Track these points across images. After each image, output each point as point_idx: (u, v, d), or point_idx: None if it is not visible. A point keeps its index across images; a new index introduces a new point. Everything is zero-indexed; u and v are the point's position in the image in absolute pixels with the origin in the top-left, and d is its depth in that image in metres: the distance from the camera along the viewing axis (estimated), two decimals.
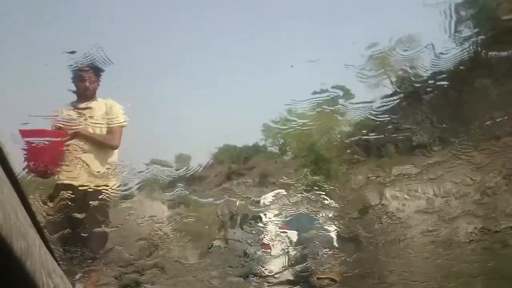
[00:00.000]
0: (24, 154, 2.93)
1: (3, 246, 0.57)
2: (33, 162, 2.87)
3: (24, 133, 2.96)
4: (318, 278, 7.10)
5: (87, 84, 3.18)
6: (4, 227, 0.55)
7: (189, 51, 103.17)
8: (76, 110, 3.21)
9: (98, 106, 3.19)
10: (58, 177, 3.04)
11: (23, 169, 2.89)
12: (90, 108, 3.00)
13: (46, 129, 3.13)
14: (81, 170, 2.99)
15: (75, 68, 3.21)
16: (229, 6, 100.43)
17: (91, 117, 3.18)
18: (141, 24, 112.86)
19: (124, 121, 3.19)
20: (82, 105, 3.18)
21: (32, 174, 2.96)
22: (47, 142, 3.00)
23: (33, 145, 2.95)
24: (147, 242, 6.01)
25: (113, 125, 3.13)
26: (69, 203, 2.92)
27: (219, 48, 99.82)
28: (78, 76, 3.17)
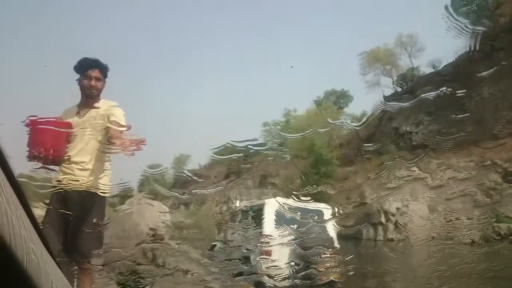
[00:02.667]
0: (28, 141, 2.89)
1: (2, 247, 0.57)
2: (35, 149, 2.83)
3: (30, 122, 2.92)
4: (320, 279, 7.10)
5: (93, 83, 3.12)
6: (3, 228, 0.55)
7: (189, 52, 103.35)
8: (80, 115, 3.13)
9: (100, 109, 3.12)
10: (58, 174, 3.00)
11: (27, 156, 2.85)
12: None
13: (51, 118, 3.06)
14: (79, 170, 2.95)
15: (80, 67, 3.14)
16: (229, 6, 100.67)
17: (93, 119, 3.10)
18: (142, 25, 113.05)
19: (124, 126, 3.09)
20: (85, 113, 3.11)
21: (34, 162, 2.91)
22: (50, 131, 2.95)
23: (36, 130, 2.91)
24: (146, 242, 6.01)
25: (112, 129, 3.03)
26: (67, 203, 2.89)
27: (219, 50, 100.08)
28: (83, 75, 3.10)
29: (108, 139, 2.88)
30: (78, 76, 3.16)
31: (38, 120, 2.95)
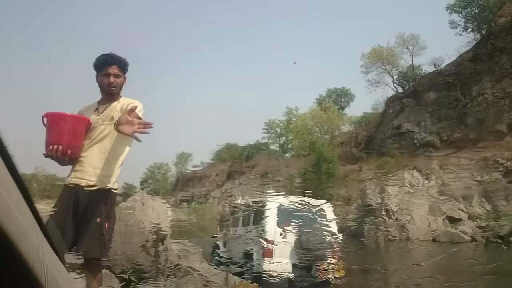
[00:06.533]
0: (45, 137, 2.83)
1: (5, 244, 0.58)
2: (52, 145, 2.76)
3: (49, 117, 2.87)
4: (321, 276, 7.10)
5: (111, 80, 3.02)
6: (6, 226, 0.55)
7: (190, 50, 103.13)
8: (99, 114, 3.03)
9: (119, 105, 3.02)
10: (70, 173, 2.93)
11: (44, 153, 2.80)
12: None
13: (70, 114, 3.00)
14: (93, 168, 2.89)
15: (98, 64, 3.04)
16: (230, 6, 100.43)
17: (111, 117, 3.00)
18: (143, 24, 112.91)
19: (140, 118, 2.96)
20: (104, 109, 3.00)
21: (51, 159, 2.85)
22: (69, 126, 2.88)
23: (53, 126, 2.85)
24: (148, 239, 6.03)
25: (126, 113, 2.88)
26: (76, 201, 2.85)
27: (221, 48, 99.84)
28: (101, 72, 3.01)
29: (118, 121, 2.66)
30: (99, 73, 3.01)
31: (56, 115, 2.91)
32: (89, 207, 2.83)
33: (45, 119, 2.86)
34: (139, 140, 2.64)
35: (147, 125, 2.60)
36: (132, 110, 2.63)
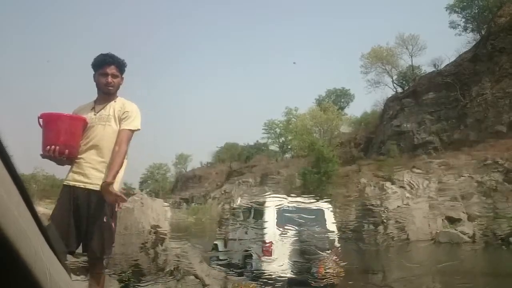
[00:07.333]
0: (42, 138, 2.83)
1: (5, 245, 0.57)
2: (49, 145, 2.76)
3: (45, 117, 2.87)
4: (319, 278, 7.09)
5: (109, 80, 3.03)
6: (6, 227, 0.55)
7: (190, 50, 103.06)
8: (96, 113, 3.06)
9: (116, 106, 3.02)
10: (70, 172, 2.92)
11: (41, 153, 2.80)
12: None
13: (66, 114, 3.00)
14: (91, 169, 2.88)
15: (96, 63, 3.05)
16: (230, 6, 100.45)
17: (107, 116, 3.02)
18: (143, 24, 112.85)
19: (136, 127, 3.00)
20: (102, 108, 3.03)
21: (48, 159, 2.84)
22: (66, 126, 2.89)
23: (50, 127, 2.85)
24: (147, 240, 6.01)
25: (122, 127, 2.92)
26: (76, 202, 2.83)
27: (221, 48, 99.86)
28: (99, 71, 3.01)
29: (104, 187, 2.76)
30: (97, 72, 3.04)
31: (52, 116, 2.89)
32: (93, 208, 2.82)
33: (40, 120, 2.85)
34: (119, 208, 2.92)
35: (122, 201, 2.91)
36: (113, 182, 2.77)
